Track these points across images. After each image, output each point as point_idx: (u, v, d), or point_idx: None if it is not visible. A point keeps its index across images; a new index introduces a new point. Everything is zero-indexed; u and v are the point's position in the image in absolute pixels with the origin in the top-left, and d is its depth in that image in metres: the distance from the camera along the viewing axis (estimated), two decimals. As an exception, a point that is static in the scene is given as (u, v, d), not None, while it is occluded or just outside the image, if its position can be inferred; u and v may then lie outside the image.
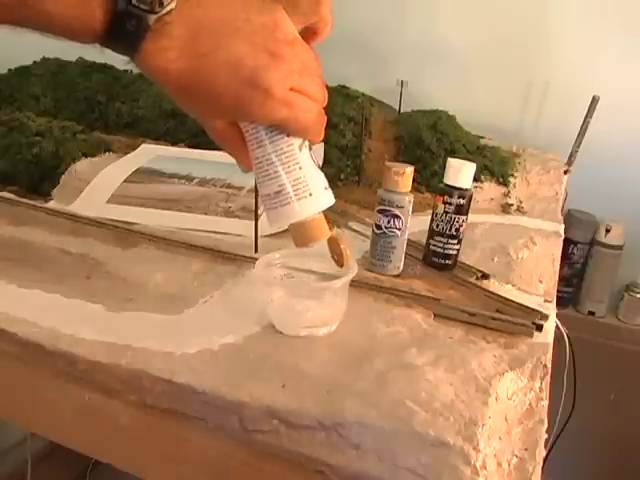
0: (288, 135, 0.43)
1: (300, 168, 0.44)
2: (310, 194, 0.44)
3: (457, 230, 0.67)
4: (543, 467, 0.46)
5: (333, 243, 0.49)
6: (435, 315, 0.58)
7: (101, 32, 0.36)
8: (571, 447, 1.10)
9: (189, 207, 0.81)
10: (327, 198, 0.46)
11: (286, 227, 0.46)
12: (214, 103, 0.40)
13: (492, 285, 0.66)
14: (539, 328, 0.56)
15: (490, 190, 0.97)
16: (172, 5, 0.36)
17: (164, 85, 0.40)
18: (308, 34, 0.45)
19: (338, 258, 0.50)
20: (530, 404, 0.49)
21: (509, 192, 0.98)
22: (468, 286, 0.65)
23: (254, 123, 0.42)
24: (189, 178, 0.87)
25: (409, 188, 0.65)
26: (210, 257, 0.68)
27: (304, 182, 0.44)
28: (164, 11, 0.36)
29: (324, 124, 0.44)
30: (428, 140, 0.98)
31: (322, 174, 0.46)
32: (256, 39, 0.39)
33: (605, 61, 1.23)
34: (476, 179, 0.94)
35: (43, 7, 0.34)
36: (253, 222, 0.70)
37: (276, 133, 0.43)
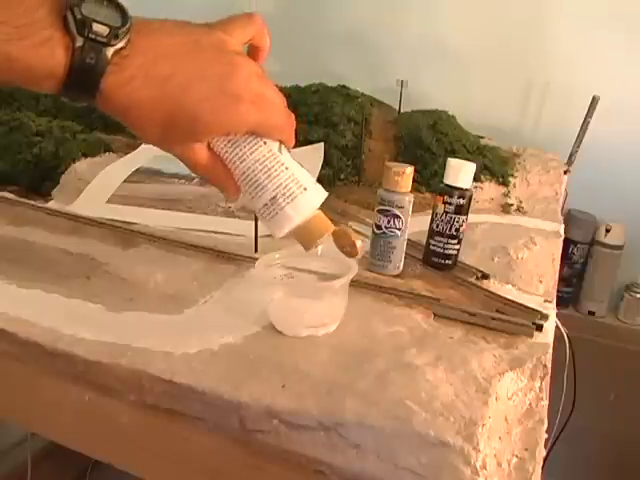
0: (265, 143, 0.43)
1: (287, 168, 0.44)
2: (305, 188, 0.44)
3: (457, 230, 0.67)
4: (543, 467, 0.46)
5: (340, 235, 0.48)
6: (435, 315, 0.58)
7: (62, 72, 0.37)
8: (571, 447, 1.10)
9: (189, 207, 0.81)
10: (321, 191, 0.46)
11: (289, 233, 0.46)
12: (192, 122, 0.40)
13: (492, 285, 0.66)
14: (539, 328, 0.56)
15: (490, 190, 0.97)
16: (127, 38, 0.37)
17: (137, 120, 0.40)
18: (252, 52, 0.46)
19: (350, 249, 0.49)
20: (530, 404, 0.49)
21: (509, 192, 0.98)
22: (468, 286, 0.65)
23: (230, 136, 0.43)
24: (189, 178, 0.87)
25: (409, 188, 0.65)
26: (210, 257, 0.68)
27: (295, 179, 0.44)
28: (120, 44, 0.37)
29: (294, 125, 0.45)
30: (428, 140, 0.98)
31: (306, 171, 0.46)
32: (210, 55, 0.41)
33: (605, 61, 1.23)
34: (476, 179, 0.94)
35: (4, 49, 0.35)
36: (253, 222, 0.70)
37: (253, 143, 0.43)
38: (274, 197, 0.44)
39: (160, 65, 0.39)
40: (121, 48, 0.37)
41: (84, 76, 0.37)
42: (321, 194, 0.46)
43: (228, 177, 0.45)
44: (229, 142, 0.43)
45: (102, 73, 0.37)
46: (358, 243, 0.48)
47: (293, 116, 0.45)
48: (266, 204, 0.44)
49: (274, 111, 0.43)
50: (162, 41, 0.39)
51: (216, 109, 0.40)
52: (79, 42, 0.36)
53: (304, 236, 0.46)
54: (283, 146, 0.45)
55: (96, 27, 0.36)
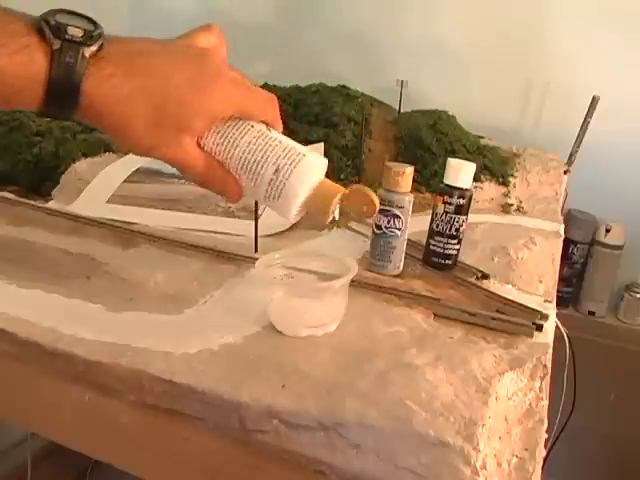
0: (252, 126, 0.44)
1: (280, 142, 0.44)
2: (304, 154, 0.44)
3: (457, 230, 0.67)
4: (543, 467, 0.46)
5: (356, 194, 0.46)
6: (435, 315, 0.58)
7: (43, 77, 0.37)
8: (571, 447, 1.10)
9: (189, 207, 0.81)
10: (321, 156, 0.45)
11: (301, 209, 0.45)
12: (178, 106, 0.41)
13: (492, 285, 0.66)
14: (539, 328, 0.56)
15: (490, 190, 0.97)
16: (100, 41, 0.39)
17: (122, 119, 0.40)
18: None
19: (369, 207, 0.46)
20: (530, 404, 0.49)
21: (509, 192, 0.98)
22: (468, 286, 0.65)
23: (217, 127, 0.43)
24: (189, 178, 0.87)
25: (409, 188, 0.65)
26: (210, 257, 0.68)
27: (292, 148, 0.44)
28: (95, 47, 0.38)
29: (277, 106, 0.46)
30: (428, 140, 0.98)
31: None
32: (181, 50, 0.43)
33: (605, 61, 1.23)
34: (476, 179, 0.94)
35: None
36: (253, 222, 0.70)
37: (242, 128, 0.43)
38: (277, 169, 0.43)
39: (137, 61, 0.40)
40: (97, 50, 0.38)
41: (66, 77, 0.37)
42: (322, 158, 0.45)
43: (226, 174, 0.44)
44: (218, 134, 0.43)
45: (82, 72, 0.38)
46: (376, 200, 0.46)
47: (275, 97, 0.45)
48: (271, 179, 0.43)
49: (254, 91, 0.44)
50: (134, 44, 0.41)
51: (199, 90, 0.41)
52: (56, 45, 0.37)
53: (317, 204, 0.44)
54: (270, 128, 0.45)
55: (71, 30, 0.38)
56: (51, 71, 0.37)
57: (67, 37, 0.37)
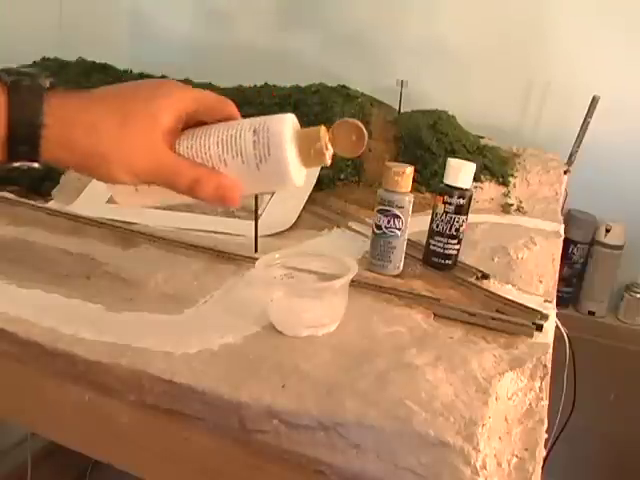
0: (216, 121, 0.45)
1: (245, 119, 0.45)
2: (277, 114, 0.44)
3: (457, 230, 0.67)
4: (543, 467, 0.46)
5: (342, 127, 0.45)
6: (435, 315, 0.58)
7: (4, 107, 0.38)
8: (571, 447, 1.10)
9: (189, 207, 0.81)
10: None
11: (296, 168, 0.44)
12: (151, 99, 0.42)
13: (492, 285, 0.66)
14: (539, 328, 0.56)
15: (490, 190, 0.97)
16: (49, 81, 0.40)
17: (92, 127, 0.40)
18: None
19: (358, 136, 0.45)
20: (530, 404, 0.49)
21: (509, 192, 0.98)
22: (468, 286, 0.65)
23: (185, 132, 0.44)
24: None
25: (409, 188, 0.65)
26: (210, 257, 0.68)
27: (257, 117, 0.45)
28: (48, 81, 0.40)
29: (232, 104, 0.47)
30: (428, 140, 0.98)
31: None
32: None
33: (605, 61, 1.22)
34: (476, 179, 0.94)
35: None
36: (253, 222, 0.70)
37: (207, 126, 0.45)
38: (254, 130, 0.43)
39: (94, 92, 0.42)
40: (50, 84, 0.40)
41: (28, 95, 0.38)
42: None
43: (213, 172, 0.44)
44: (188, 138, 0.44)
45: (43, 88, 0.39)
46: (364, 128, 0.45)
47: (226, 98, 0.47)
48: (254, 141, 0.43)
49: (204, 90, 0.46)
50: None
51: (163, 90, 0.44)
52: (12, 78, 0.39)
53: (308, 147, 0.44)
54: None
55: (21, 69, 0.39)
56: (9, 96, 0.38)
57: (21, 70, 0.39)
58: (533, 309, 0.60)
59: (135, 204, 0.49)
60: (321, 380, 0.47)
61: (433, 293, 0.62)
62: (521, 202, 0.95)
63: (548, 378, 0.51)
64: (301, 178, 0.46)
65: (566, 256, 1.24)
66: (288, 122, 0.44)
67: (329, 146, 0.45)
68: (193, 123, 0.45)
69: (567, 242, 1.19)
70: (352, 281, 0.54)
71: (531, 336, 0.56)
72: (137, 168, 0.42)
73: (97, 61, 1.25)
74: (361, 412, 0.43)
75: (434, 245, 0.68)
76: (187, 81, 1.08)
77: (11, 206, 0.80)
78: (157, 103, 0.42)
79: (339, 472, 0.42)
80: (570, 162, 1.16)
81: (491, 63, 1.31)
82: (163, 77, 1.20)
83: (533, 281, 0.68)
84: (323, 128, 0.45)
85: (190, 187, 0.44)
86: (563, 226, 0.87)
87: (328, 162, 0.45)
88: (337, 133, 0.45)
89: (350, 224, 0.80)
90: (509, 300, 0.61)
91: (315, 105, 1.01)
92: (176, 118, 0.43)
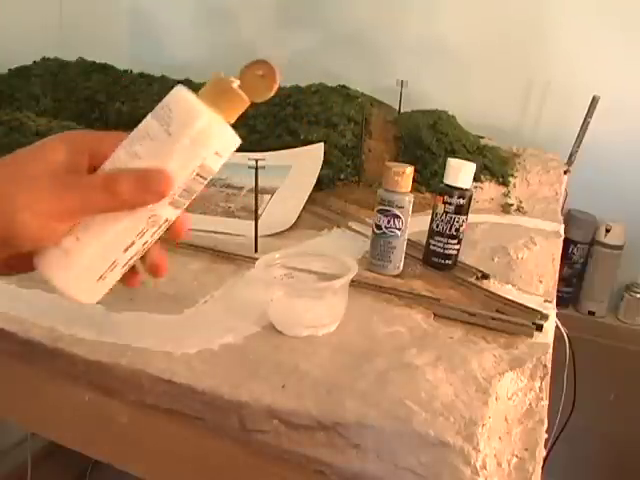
0: None
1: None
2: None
3: (457, 230, 0.67)
4: (543, 467, 0.46)
5: (248, 68, 0.40)
6: (435, 315, 0.58)
7: None
8: (571, 447, 1.10)
9: (189, 207, 0.81)
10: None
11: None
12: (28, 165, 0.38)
13: (492, 285, 0.66)
14: (539, 328, 0.56)
15: (490, 190, 0.97)
16: None
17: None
18: None
19: (264, 71, 0.40)
20: (530, 404, 0.49)
21: (509, 192, 0.98)
22: (468, 286, 0.65)
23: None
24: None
25: (409, 188, 0.65)
26: (210, 257, 0.68)
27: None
28: None
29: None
30: (428, 140, 0.98)
31: None
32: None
33: (605, 61, 1.23)
34: (476, 179, 0.94)
35: None
36: (253, 222, 0.70)
37: None
38: (152, 113, 0.40)
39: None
40: None
41: None
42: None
43: (128, 169, 0.40)
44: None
45: None
46: (270, 61, 0.40)
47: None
48: (156, 118, 0.39)
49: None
50: None
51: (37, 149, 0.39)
52: None
53: (214, 94, 0.39)
54: None
55: None
56: None
57: None
58: (533, 309, 0.60)
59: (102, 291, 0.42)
60: (321, 380, 0.47)
61: (433, 293, 0.62)
62: (521, 202, 0.95)
63: (548, 378, 0.51)
64: (221, 123, 0.40)
65: (566, 256, 1.25)
66: (180, 86, 0.39)
67: (236, 85, 0.39)
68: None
69: (567, 242, 1.19)
70: (352, 281, 0.54)
71: (531, 336, 0.56)
72: (43, 204, 0.36)
73: (97, 61, 1.25)
74: (361, 412, 0.43)
75: (434, 245, 0.68)
76: (187, 81, 1.08)
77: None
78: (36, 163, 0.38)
79: (339, 472, 0.42)
80: (570, 162, 1.16)
81: (491, 63, 1.31)
82: (163, 77, 1.21)
83: (533, 281, 0.68)
84: (221, 72, 0.39)
85: (108, 190, 0.38)
86: (563, 226, 0.87)
87: (245, 99, 0.40)
88: (245, 75, 0.40)
89: (350, 224, 0.80)
90: (509, 300, 0.61)
91: (315, 105, 1.01)
92: (70, 152, 0.39)
